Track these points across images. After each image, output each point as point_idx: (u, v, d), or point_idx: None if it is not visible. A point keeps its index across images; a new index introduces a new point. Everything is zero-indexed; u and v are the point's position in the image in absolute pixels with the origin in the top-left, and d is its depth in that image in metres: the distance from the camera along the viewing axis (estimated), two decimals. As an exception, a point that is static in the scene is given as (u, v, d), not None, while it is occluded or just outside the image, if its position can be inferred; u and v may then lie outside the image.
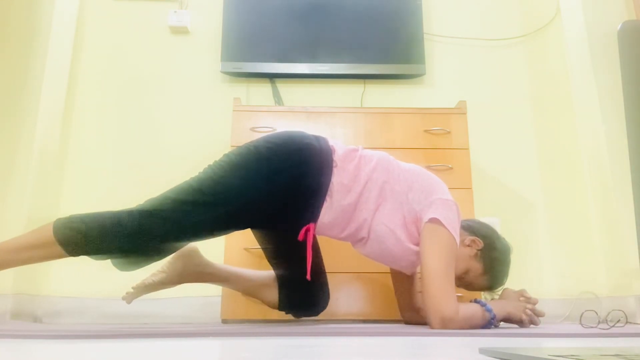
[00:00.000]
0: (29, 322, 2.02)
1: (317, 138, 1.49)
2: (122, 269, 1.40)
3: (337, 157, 1.45)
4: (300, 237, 1.44)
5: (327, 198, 1.42)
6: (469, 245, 1.49)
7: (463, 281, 1.52)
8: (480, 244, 1.48)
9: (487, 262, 1.49)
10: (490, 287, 1.53)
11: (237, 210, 1.37)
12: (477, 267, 1.49)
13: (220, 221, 1.37)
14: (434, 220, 1.39)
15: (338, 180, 1.42)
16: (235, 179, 1.37)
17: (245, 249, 1.97)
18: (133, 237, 1.31)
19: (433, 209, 1.40)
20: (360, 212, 1.43)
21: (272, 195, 1.40)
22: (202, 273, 1.63)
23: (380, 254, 1.49)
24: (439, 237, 1.37)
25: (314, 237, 1.63)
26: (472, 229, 1.52)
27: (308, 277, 1.47)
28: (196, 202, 1.34)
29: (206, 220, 1.35)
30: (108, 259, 1.36)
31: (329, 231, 1.48)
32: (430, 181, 1.48)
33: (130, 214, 1.32)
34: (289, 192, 1.41)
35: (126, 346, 0.79)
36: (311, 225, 1.44)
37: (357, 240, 1.50)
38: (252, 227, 1.54)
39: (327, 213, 1.43)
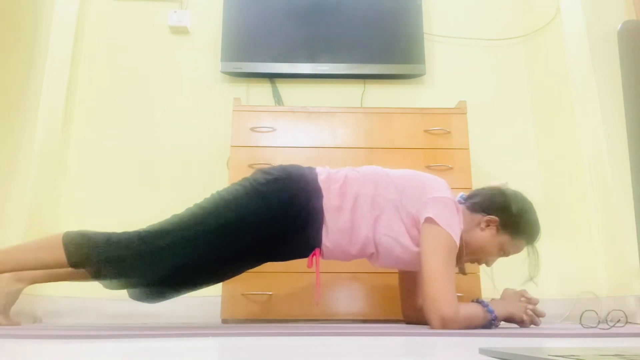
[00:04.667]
0: (29, 322, 2.02)
1: (309, 168, 1.51)
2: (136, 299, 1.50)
3: (322, 181, 1.45)
4: (309, 264, 1.45)
5: (323, 223, 1.43)
6: (487, 226, 1.46)
7: (503, 255, 1.50)
8: (496, 220, 1.45)
9: (511, 229, 1.46)
10: (529, 244, 1.49)
11: (237, 243, 1.40)
12: (506, 239, 1.46)
13: (221, 255, 1.40)
14: (429, 220, 1.38)
15: (327, 202, 1.42)
16: (233, 213, 1.38)
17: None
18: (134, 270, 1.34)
19: (427, 209, 1.40)
20: (359, 229, 1.43)
21: (271, 232, 1.41)
22: (19, 290, 1.56)
23: (395, 263, 1.50)
24: (435, 236, 1.36)
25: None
26: (481, 206, 1.48)
27: (317, 299, 1.54)
28: (197, 234, 1.35)
29: (204, 253, 1.37)
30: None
31: (337, 255, 1.49)
32: (423, 181, 1.47)
33: (129, 239, 1.32)
34: (285, 223, 1.41)
35: (126, 346, 0.79)
36: (317, 250, 1.45)
37: (368, 256, 1.51)
38: (259, 260, 1.53)
39: (327, 237, 1.43)
